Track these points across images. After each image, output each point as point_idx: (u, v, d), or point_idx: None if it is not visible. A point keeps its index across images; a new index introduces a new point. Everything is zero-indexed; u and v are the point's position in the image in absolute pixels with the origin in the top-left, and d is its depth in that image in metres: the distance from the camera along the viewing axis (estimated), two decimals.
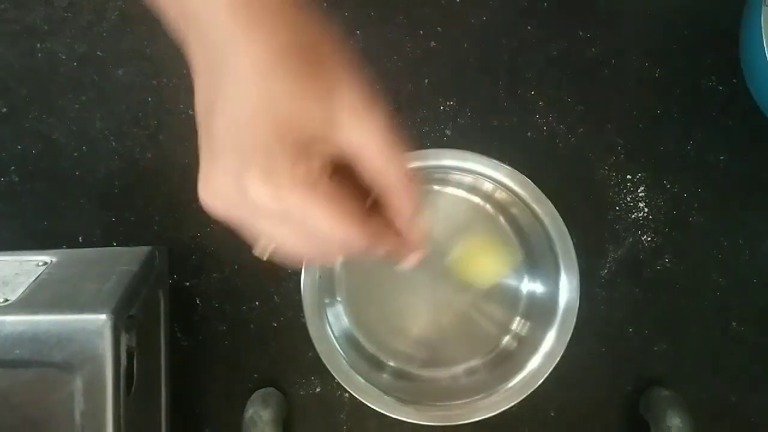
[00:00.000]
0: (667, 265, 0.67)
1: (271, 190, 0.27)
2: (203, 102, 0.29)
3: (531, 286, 0.61)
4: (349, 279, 0.62)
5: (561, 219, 0.57)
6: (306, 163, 0.28)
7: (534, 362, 0.57)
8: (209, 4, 0.27)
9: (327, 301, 0.60)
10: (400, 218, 0.33)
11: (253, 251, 0.33)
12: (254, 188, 0.27)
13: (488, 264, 0.58)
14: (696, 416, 0.61)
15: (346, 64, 0.30)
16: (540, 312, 0.59)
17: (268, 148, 0.27)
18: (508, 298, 0.62)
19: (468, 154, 0.57)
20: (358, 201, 0.31)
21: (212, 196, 0.29)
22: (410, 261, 0.36)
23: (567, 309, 0.57)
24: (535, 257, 0.61)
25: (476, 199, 0.62)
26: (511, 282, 0.62)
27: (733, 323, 0.67)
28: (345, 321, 0.62)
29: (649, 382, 0.66)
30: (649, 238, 0.67)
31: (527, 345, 0.59)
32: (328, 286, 0.61)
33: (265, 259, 0.33)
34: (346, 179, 0.31)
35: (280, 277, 0.66)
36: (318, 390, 0.66)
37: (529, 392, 0.56)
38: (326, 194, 0.28)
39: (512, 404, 0.56)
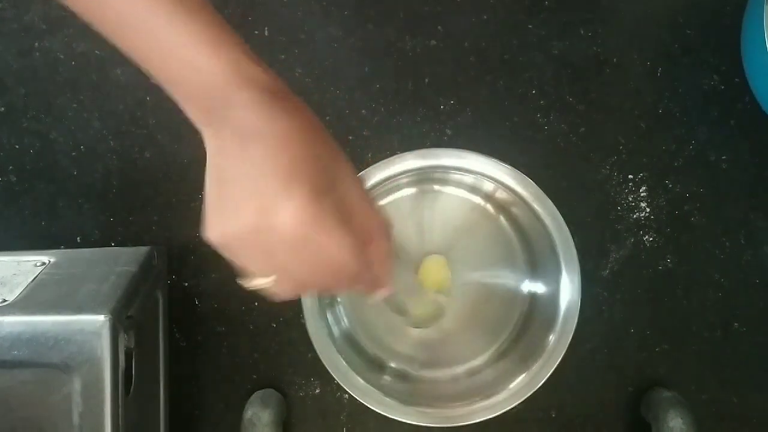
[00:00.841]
0: (669, 265, 0.67)
1: (316, 209, 0.31)
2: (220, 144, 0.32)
3: (532, 287, 0.61)
4: None
5: (562, 219, 0.57)
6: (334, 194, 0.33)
7: (535, 363, 0.56)
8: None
9: (327, 301, 0.60)
10: (377, 260, 0.37)
11: (240, 280, 0.34)
12: (300, 204, 0.30)
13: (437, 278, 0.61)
14: (697, 417, 0.61)
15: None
16: (541, 312, 0.59)
17: (311, 174, 0.31)
18: (509, 299, 0.62)
19: (468, 154, 0.57)
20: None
21: (223, 225, 0.31)
22: (379, 296, 0.40)
23: (568, 309, 0.56)
24: (537, 257, 0.60)
25: (477, 199, 0.62)
26: (513, 282, 0.62)
27: (735, 324, 0.67)
28: (345, 321, 0.61)
29: (650, 382, 0.66)
30: (650, 238, 0.67)
31: (529, 345, 0.58)
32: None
33: (249, 288, 0.34)
34: None
35: None
36: (317, 391, 0.65)
37: (530, 393, 0.56)
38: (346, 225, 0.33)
39: (513, 405, 0.56)
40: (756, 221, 0.67)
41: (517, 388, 0.56)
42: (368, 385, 0.56)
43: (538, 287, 0.60)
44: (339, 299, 0.61)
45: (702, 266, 0.67)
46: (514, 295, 0.62)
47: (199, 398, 0.65)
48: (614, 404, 0.66)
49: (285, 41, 0.66)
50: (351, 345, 0.60)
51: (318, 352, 0.56)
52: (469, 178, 0.59)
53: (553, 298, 0.57)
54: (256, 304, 0.65)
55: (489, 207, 0.62)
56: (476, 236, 0.62)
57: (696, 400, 0.65)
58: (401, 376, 0.61)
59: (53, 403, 0.47)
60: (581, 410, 0.66)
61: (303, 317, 0.56)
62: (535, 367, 0.56)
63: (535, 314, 0.60)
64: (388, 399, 0.56)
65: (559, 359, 0.56)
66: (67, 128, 0.65)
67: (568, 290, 0.57)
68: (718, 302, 0.67)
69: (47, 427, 0.47)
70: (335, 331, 0.58)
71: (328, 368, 0.55)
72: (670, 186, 0.67)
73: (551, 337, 0.57)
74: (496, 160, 0.57)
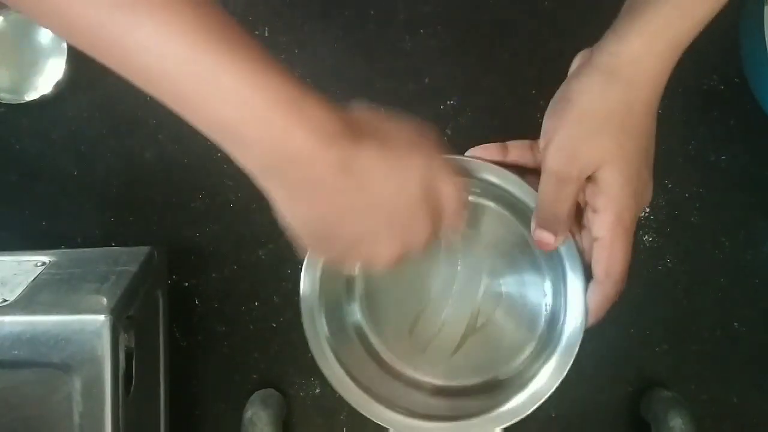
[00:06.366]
0: (669, 265, 0.67)
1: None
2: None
3: (547, 300, 0.60)
4: (368, 280, 0.60)
5: None
6: None
7: (548, 363, 0.55)
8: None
9: (342, 297, 0.58)
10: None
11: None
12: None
13: None
14: (697, 417, 0.61)
15: None
16: (545, 312, 0.58)
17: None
18: (527, 315, 0.60)
19: (469, 160, 0.57)
20: None
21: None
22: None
23: (573, 308, 0.55)
24: (539, 258, 0.60)
25: (476, 200, 0.62)
26: (534, 299, 0.60)
27: (735, 323, 0.67)
28: (358, 316, 0.60)
29: (650, 382, 0.66)
30: (650, 239, 0.67)
31: (536, 347, 0.58)
32: (346, 283, 0.59)
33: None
34: None
35: (280, 278, 0.65)
36: (318, 391, 0.65)
37: (535, 408, 0.54)
38: None
39: (517, 419, 0.54)
40: (756, 221, 0.67)
41: (521, 402, 0.55)
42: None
43: (548, 300, 0.60)
44: (356, 296, 0.59)
45: (701, 266, 0.67)
46: (534, 311, 0.61)
47: (200, 398, 0.65)
48: (614, 404, 0.66)
49: (285, 41, 0.66)
50: (360, 339, 0.59)
51: (313, 353, 0.55)
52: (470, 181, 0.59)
53: (556, 298, 0.57)
54: (256, 304, 0.66)
55: (490, 208, 0.62)
56: (478, 239, 0.62)
57: (696, 400, 0.65)
58: (406, 381, 0.61)
59: (53, 402, 0.47)
60: (581, 410, 0.66)
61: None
62: (545, 368, 0.55)
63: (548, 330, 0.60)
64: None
65: (568, 368, 0.55)
66: (67, 128, 0.66)
67: (572, 290, 0.56)
68: (718, 302, 0.67)
69: (47, 427, 0.47)
70: (345, 326, 0.57)
71: (322, 370, 0.55)
72: (670, 186, 0.67)
73: (562, 336, 0.56)
74: (497, 167, 0.56)
